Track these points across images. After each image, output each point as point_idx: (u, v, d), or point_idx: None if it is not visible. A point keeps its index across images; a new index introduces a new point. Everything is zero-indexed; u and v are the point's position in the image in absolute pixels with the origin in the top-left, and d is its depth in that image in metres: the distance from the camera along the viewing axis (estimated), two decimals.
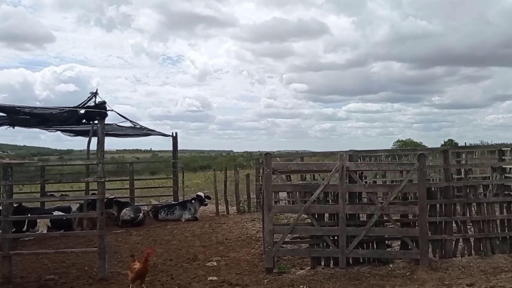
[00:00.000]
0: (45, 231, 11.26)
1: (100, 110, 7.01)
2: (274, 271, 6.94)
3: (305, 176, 12.20)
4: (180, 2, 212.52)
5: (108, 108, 11.54)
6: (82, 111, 7.21)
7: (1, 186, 6.85)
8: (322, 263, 7.11)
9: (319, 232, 6.99)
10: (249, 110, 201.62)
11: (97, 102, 7.13)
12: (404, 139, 54.12)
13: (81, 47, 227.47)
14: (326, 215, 7.25)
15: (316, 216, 7.07)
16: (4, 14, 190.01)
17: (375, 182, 13.58)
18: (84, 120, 7.60)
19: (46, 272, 7.50)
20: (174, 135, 14.42)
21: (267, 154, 7.04)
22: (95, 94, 10.89)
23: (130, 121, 12.42)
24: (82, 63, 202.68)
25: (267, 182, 6.97)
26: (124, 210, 12.39)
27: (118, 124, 12.62)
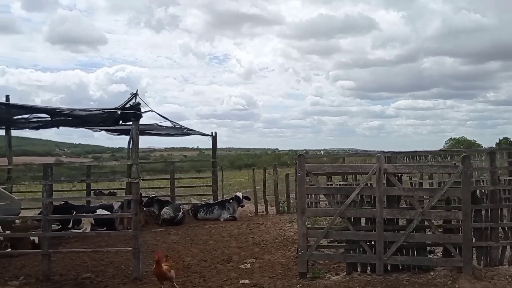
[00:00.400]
0: (89, 229, 11.57)
1: (134, 111, 7.06)
2: (308, 275, 6.74)
3: (347, 177, 11.91)
4: (227, 2, 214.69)
5: (147, 109, 11.75)
6: (119, 112, 7.30)
7: (42, 186, 7.02)
8: (359, 269, 6.84)
9: (355, 237, 6.72)
10: (295, 108, 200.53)
11: (131, 104, 7.18)
12: (457, 137, 52.12)
13: (132, 49, 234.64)
14: (363, 219, 6.97)
15: (352, 220, 6.81)
16: (60, 18, 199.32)
17: (421, 184, 13.04)
18: (120, 121, 7.73)
19: (85, 270, 7.68)
20: (214, 134, 14.49)
21: (301, 155, 6.85)
22: (135, 95, 11.07)
23: (170, 121, 12.58)
24: (132, 63, 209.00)
25: (301, 185, 6.78)
26: (164, 209, 12.55)
27: (159, 124, 12.83)
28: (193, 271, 7.48)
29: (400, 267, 6.72)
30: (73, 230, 11.45)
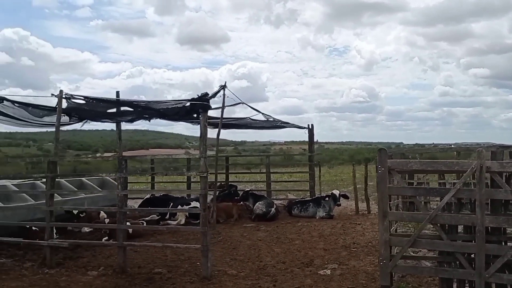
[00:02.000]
0: (183, 221, 11.72)
1: (202, 102, 6.73)
2: None
3: (443, 176, 10.40)
4: None
5: (238, 102, 11.48)
6: (188, 104, 7.05)
7: (117, 178, 7.08)
8: (455, 285, 5.68)
9: (449, 248, 5.56)
10: (421, 99, 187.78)
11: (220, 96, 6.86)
12: None
13: (253, 45, 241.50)
14: (460, 226, 5.77)
15: (446, 228, 5.66)
16: (188, 20, 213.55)
17: None
18: (194, 114, 7.49)
19: (161, 264, 7.61)
20: (310, 127, 13.74)
21: (382, 149, 5.87)
22: (223, 86, 10.93)
23: (262, 113, 12.23)
24: (254, 60, 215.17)
25: (381, 184, 5.80)
26: (256, 204, 12.23)
27: (251, 117, 12.55)
28: (266, 274, 6.95)
29: None
30: (169, 221, 11.73)
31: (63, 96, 7.76)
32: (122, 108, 9.18)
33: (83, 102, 8.41)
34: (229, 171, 15.95)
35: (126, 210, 7.12)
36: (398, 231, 8.34)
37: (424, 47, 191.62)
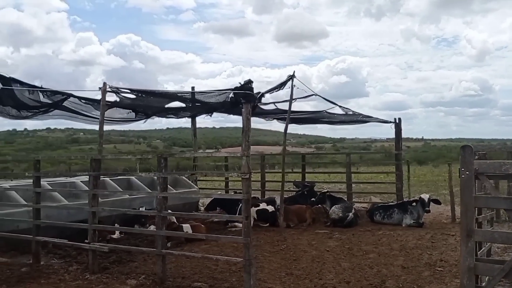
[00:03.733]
0: (251, 223, 10.90)
1: (244, 91, 5.73)
2: None
3: None
4: None
5: (310, 93, 10.27)
6: (232, 95, 6.12)
7: (156, 178, 6.39)
8: None
9: None
10: None
11: (242, 83, 5.88)
12: None
13: (353, 39, 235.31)
14: None
15: None
16: (285, 17, 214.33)
17: None
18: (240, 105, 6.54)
19: (207, 275, 6.73)
20: (397, 121, 12.04)
21: (466, 146, 4.39)
22: (292, 77, 9.84)
23: (340, 106, 10.95)
24: (354, 54, 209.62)
25: (466, 193, 4.33)
26: (332, 208, 10.94)
27: (328, 111, 11.33)
28: None
29: None
30: (236, 223, 10.96)
31: (107, 89, 7.24)
32: (177, 105, 8.64)
33: (134, 97, 7.92)
34: (306, 171, 14.76)
35: (166, 214, 6.37)
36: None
37: None
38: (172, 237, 8.25)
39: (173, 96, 7.35)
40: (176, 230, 8.93)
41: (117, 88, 7.27)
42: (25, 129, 73.48)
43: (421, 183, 21.88)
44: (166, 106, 8.95)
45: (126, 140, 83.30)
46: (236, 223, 11.04)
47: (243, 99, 5.71)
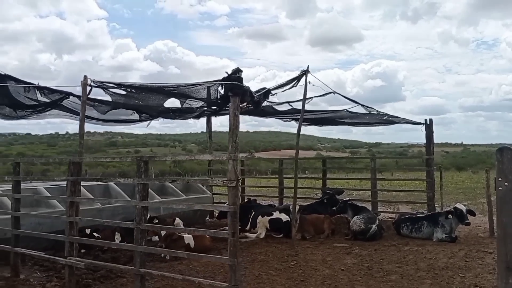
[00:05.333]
0: (263, 234, 10.00)
1: (231, 82, 4.80)
2: None
3: None
4: None
5: (329, 91, 9.26)
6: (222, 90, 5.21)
7: (136, 185, 5.54)
8: None
9: None
10: None
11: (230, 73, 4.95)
12: None
13: (389, 43, 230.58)
14: None
15: None
16: (319, 21, 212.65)
17: None
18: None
19: None
20: (428, 122, 10.78)
21: (505, 148, 3.32)
22: (305, 72, 8.85)
23: (362, 105, 9.86)
24: (389, 58, 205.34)
25: (504, 209, 3.26)
26: (354, 219, 9.82)
27: (349, 110, 10.26)
28: None
29: None
30: (247, 234, 10.05)
31: (89, 83, 6.46)
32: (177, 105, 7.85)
33: (124, 93, 7.15)
34: (327, 176, 13.65)
35: (144, 226, 5.49)
36: None
37: None
38: (170, 249, 7.42)
39: (159, 90, 6.52)
40: (176, 241, 8.17)
41: (101, 82, 6.49)
42: (67, 132, 75.23)
43: (459, 190, 20.39)
44: (165, 105, 8.16)
45: (162, 144, 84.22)
46: (248, 234, 10.16)
47: (230, 91, 4.79)
